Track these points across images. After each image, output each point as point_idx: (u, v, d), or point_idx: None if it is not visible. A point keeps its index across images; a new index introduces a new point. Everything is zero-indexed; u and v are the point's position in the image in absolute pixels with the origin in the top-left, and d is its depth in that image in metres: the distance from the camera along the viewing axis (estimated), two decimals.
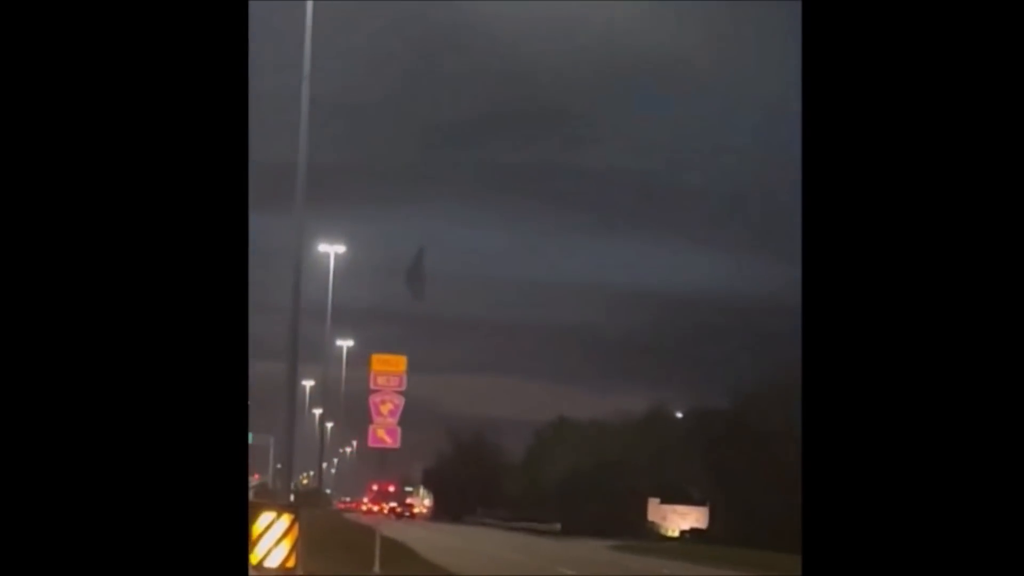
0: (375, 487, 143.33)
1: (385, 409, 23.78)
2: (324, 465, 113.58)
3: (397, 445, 23.59)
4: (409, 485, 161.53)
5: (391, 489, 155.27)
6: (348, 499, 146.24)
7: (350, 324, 76.63)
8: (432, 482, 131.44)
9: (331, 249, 66.93)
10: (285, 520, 15.91)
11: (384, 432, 23.21)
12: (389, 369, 23.25)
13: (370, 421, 23.09)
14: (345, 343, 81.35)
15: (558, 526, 75.08)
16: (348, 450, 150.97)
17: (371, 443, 23.62)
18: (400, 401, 23.39)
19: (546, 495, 75.95)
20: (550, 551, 42.81)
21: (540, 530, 72.08)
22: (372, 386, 23.29)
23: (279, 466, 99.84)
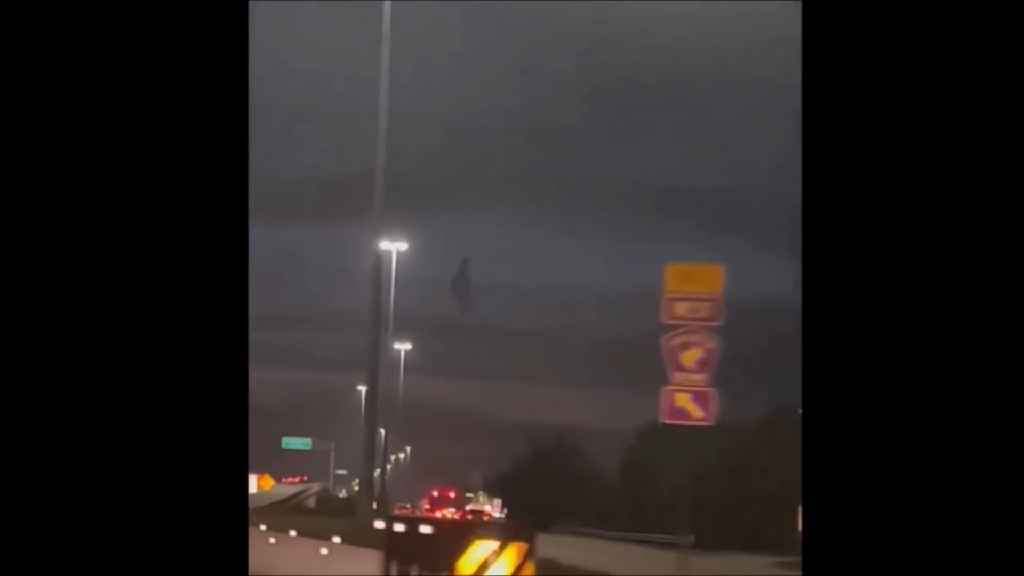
0: (435, 493, 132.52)
1: (690, 358, 13.99)
2: (377, 472, 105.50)
3: (710, 418, 14.41)
4: (468, 491, 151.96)
5: (451, 495, 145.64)
6: (408, 505, 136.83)
7: (403, 330, 76.87)
8: (503, 489, 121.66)
9: (393, 246, 65.08)
10: (508, 557, 11.41)
11: (689, 400, 14.05)
12: (696, 288, 14.03)
13: (664, 381, 14.05)
14: (403, 346, 79.32)
15: (691, 538, 63.20)
16: (402, 456, 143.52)
17: (667, 417, 14.33)
18: (714, 344, 14.21)
19: (651, 504, 65.87)
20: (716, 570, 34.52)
21: (669, 543, 60.26)
22: (667, 319, 14.17)
23: (340, 472, 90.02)
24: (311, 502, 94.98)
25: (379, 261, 14.72)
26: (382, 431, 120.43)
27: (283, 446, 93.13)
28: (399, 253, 56.51)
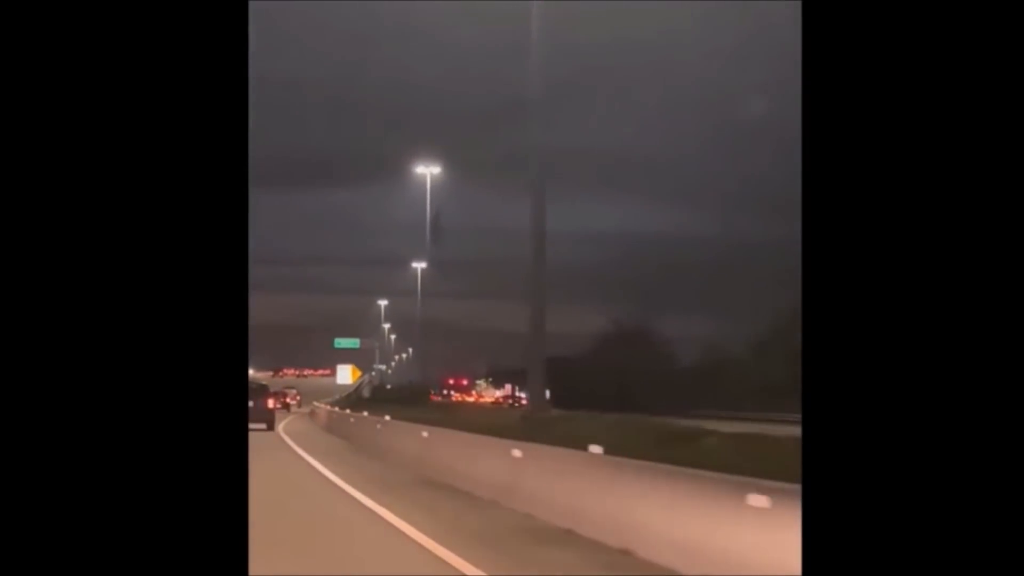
0: (451, 380, 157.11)
1: None
2: (383, 367, 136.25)
3: None
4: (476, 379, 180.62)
5: (464, 382, 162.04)
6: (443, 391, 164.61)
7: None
8: (557, 371, 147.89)
9: (428, 170, 77.60)
10: None
11: None
12: None
13: None
14: (419, 265, 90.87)
15: None
16: (404, 356, 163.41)
17: None
18: None
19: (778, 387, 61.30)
20: None
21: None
22: None
23: (379, 366, 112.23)
24: (366, 391, 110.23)
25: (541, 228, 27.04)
26: (392, 336, 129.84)
27: (335, 345, 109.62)
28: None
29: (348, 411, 49.71)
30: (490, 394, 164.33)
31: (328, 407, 65.05)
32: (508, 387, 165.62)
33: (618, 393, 77.45)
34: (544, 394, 29.87)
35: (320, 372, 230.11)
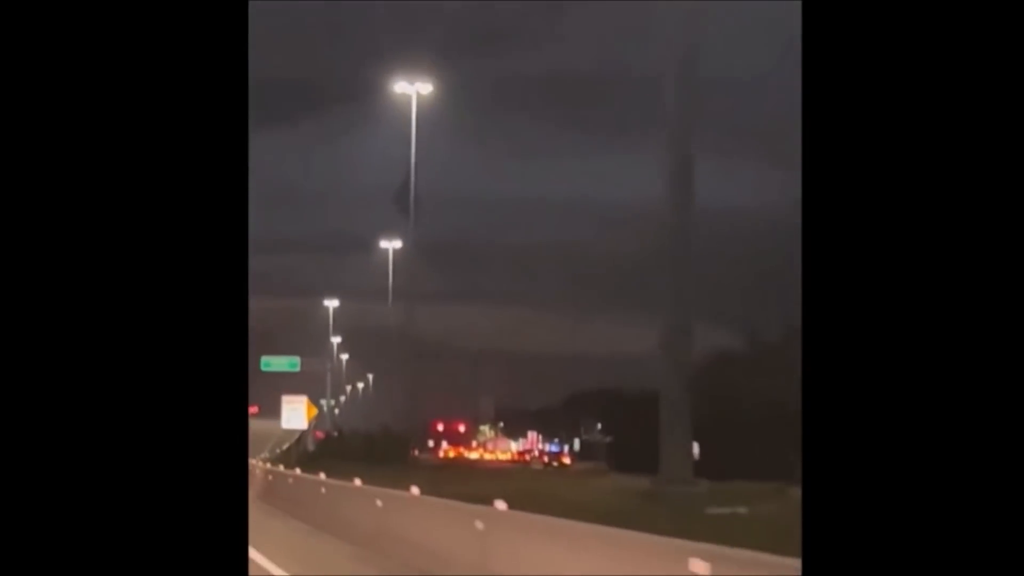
0: (440, 426, 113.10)
1: None
2: (331, 402, 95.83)
3: None
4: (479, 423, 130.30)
5: (461, 429, 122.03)
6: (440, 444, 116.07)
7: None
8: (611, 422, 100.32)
9: (412, 89, 53.81)
10: None
11: None
12: None
13: None
14: (391, 244, 69.02)
15: None
16: (360, 386, 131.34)
17: None
18: None
19: None
20: None
21: None
22: None
23: (328, 401, 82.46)
24: (309, 442, 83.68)
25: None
26: (343, 356, 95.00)
27: (263, 367, 77.76)
28: None
29: (296, 472, 39.18)
30: (502, 447, 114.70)
31: (264, 466, 49.75)
32: (531, 436, 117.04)
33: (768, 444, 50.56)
34: (690, 452, 21.43)
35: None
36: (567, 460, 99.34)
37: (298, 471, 38.31)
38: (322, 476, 30.48)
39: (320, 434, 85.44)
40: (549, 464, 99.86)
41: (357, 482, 24.16)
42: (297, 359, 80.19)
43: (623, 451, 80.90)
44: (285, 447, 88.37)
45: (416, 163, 55.10)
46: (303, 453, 75.49)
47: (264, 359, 78.41)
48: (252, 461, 58.93)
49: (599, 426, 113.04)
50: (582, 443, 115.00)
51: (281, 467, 46.76)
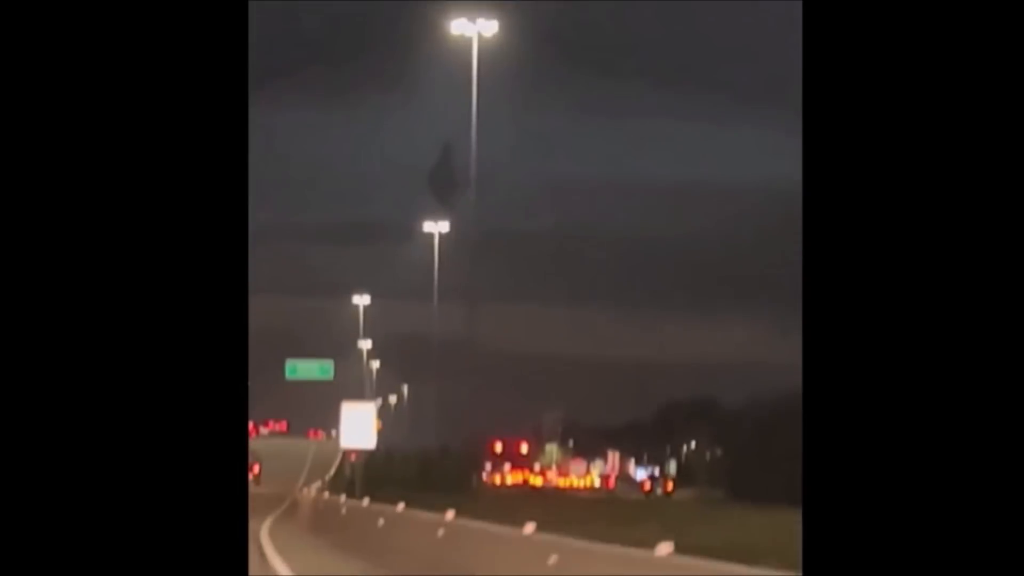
0: (498, 446, 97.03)
1: None
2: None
3: None
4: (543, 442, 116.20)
5: (523, 450, 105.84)
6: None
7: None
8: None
9: (474, 29, 44.03)
10: None
11: None
12: None
13: None
14: (437, 228, 58.73)
15: None
16: (393, 399, 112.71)
17: None
18: None
19: None
20: None
21: None
22: None
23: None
24: (347, 466, 70.06)
25: None
26: (374, 364, 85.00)
27: (288, 374, 63.17)
28: None
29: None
30: (575, 469, 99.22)
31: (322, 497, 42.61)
32: (612, 456, 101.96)
33: None
34: None
35: (271, 425, 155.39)
36: (671, 487, 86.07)
37: (402, 506, 28.83)
38: (450, 515, 20.85)
39: (353, 455, 71.51)
40: (651, 491, 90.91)
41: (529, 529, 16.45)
42: (330, 363, 69.03)
43: (743, 475, 65.90)
44: (333, 474, 72.94)
45: (474, 126, 47.65)
46: (344, 480, 65.56)
47: (289, 363, 68.30)
48: (292, 491, 51.04)
49: (693, 444, 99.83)
50: (680, 466, 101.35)
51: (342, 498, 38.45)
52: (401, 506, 25.14)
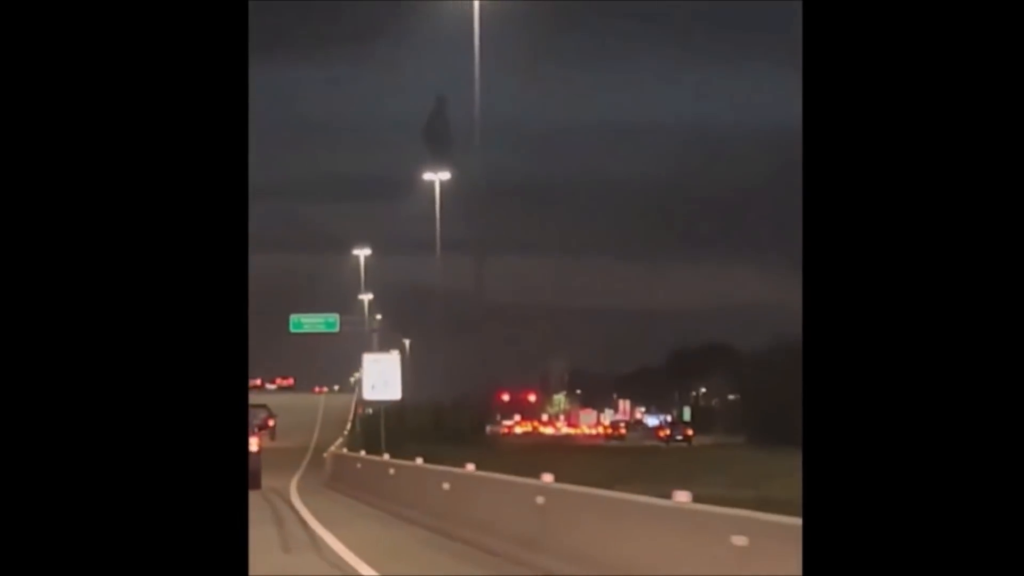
0: (506, 396, 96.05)
1: None
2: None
3: None
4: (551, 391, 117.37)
5: (531, 399, 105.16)
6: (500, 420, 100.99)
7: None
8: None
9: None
10: None
11: None
12: None
13: None
14: (437, 176, 58.89)
15: None
16: (395, 352, 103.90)
17: None
18: None
19: None
20: None
21: None
22: None
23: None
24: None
25: None
26: (376, 317, 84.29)
27: (293, 328, 63.54)
28: None
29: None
30: (585, 418, 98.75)
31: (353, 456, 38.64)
32: (622, 404, 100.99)
33: None
34: None
35: (278, 381, 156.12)
36: (691, 432, 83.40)
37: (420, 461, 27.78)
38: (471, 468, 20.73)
39: (360, 408, 71.40)
40: (670, 438, 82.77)
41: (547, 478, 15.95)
42: (335, 317, 67.83)
43: (761, 420, 64.55)
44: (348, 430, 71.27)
45: (477, 71, 47.11)
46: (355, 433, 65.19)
47: (294, 318, 67.39)
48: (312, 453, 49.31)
49: (703, 391, 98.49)
50: (693, 412, 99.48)
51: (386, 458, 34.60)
52: (471, 467, 20.78)
